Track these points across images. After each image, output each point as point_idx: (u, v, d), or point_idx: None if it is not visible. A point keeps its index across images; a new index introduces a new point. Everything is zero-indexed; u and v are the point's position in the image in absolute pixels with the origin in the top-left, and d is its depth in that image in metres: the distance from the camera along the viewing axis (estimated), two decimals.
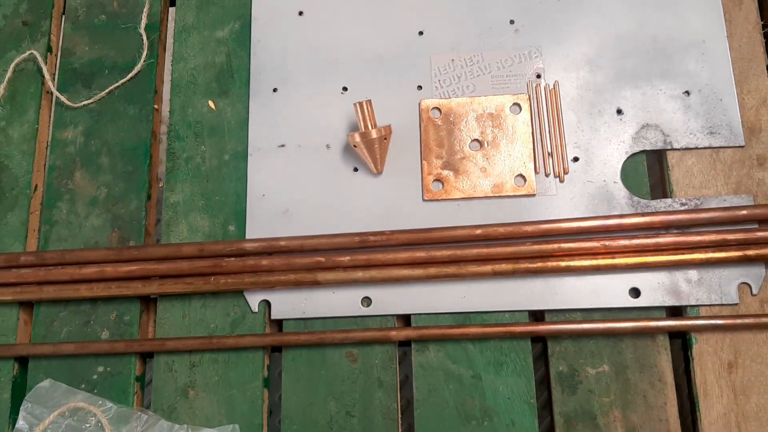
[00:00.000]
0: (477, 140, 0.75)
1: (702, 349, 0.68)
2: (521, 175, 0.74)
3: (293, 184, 0.76)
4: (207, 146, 0.79)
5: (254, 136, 0.78)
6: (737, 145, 0.73)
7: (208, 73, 0.81)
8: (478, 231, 0.71)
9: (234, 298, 0.74)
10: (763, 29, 0.76)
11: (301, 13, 0.82)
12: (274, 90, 0.79)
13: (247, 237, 0.75)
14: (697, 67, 0.75)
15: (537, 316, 0.72)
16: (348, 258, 0.71)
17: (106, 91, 0.81)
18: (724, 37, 0.75)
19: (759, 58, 0.75)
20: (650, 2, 0.77)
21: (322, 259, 0.72)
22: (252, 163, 0.77)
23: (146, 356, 0.75)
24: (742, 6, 0.77)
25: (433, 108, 0.77)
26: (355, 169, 0.76)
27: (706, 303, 0.69)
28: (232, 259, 0.73)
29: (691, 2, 0.77)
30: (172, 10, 0.85)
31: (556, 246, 0.70)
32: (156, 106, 0.81)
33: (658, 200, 0.72)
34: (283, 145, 0.77)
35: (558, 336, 0.69)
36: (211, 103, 0.80)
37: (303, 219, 0.75)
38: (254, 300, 0.73)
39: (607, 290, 0.70)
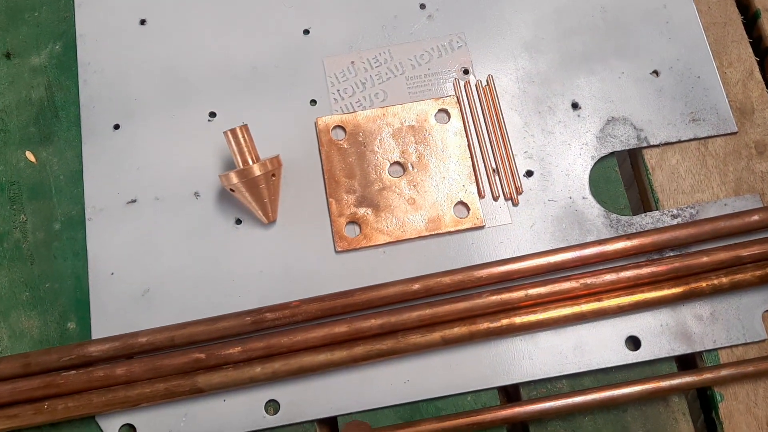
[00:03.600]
0: (398, 163, 0.56)
1: (731, 407, 0.50)
2: (462, 203, 0.55)
3: (153, 254, 0.55)
4: (28, 214, 0.56)
5: (92, 192, 0.56)
6: (729, 132, 0.56)
7: (23, 115, 0.59)
8: (416, 285, 0.52)
9: (83, 427, 0.51)
10: None
11: (143, 22, 0.61)
12: (116, 127, 0.58)
13: (93, 336, 0.53)
14: (663, 40, 0.59)
15: (510, 393, 0.53)
16: (239, 349, 0.51)
17: None
18: None
19: (734, 20, 0.59)
20: None
21: (202, 356, 0.50)
22: (92, 230, 0.55)
23: None
24: None
25: (335, 127, 0.57)
26: (238, 221, 0.55)
27: (726, 345, 0.51)
28: (74, 372, 0.51)
29: None
30: None
31: (522, 293, 0.51)
32: None
33: (643, 215, 0.55)
34: (133, 201, 0.56)
35: (542, 418, 0.50)
36: (29, 155, 0.58)
37: (170, 300, 0.53)
38: (111, 426, 0.51)
39: (597, 345, 0.51)
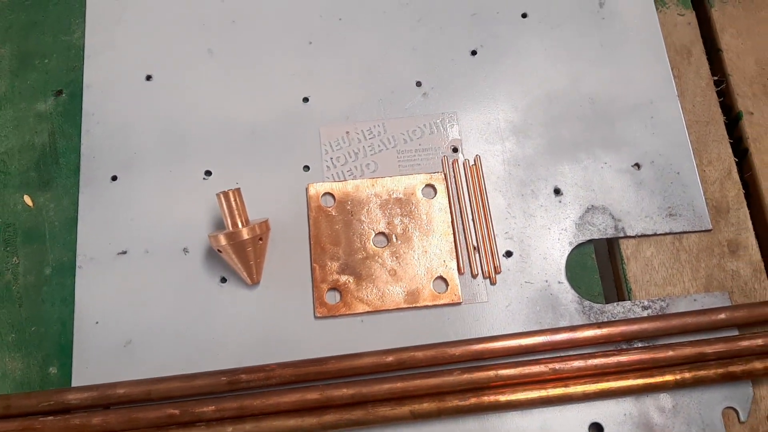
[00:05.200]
0: (383, 234, 0.58)
1: None
2: (442, 278, 0.57)
3: (138, 306, 0.56)
4: (21, 257, 0.58)
5: (85, 241, 0.58)
6: (703, 229, 0.58)
7: (25, 159, 0.61)
8: (390, 358, 0.53)
9: None
10: (716, 85, 0.63)
11: (149, 78, 0.63)
12: (113, 178, 0.60)
13: (73, 383, 0.54)
14: (646, 134, 0.61)
15: None
16: (213, 408, 0.52)
17: None
18: (675, 96, 0.62)
19: (717, 120, 0.62)
20: (583, 56, 0.63)
21: (176, 412, 0.52)
22: (81, 278, 0.57)
23: None
24: (691, 59, 0.64)
25: (325, 194, 0.59)
26: (223, 280, 0.57)
27: None
28: (51, 417, 0.52)
29: (632, 56, 0.63)
30: None
31: (492, 374, 0.53)
32: None
33: (615, 303, 0.56)
34: (124, 252, 0.58)
35: None
36: (27, 199, 0.60)
37: (151, 354, 0.55)
38: None
39: (561, 429, 0.53)
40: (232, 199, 0.55)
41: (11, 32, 0.65)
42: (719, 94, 0.63)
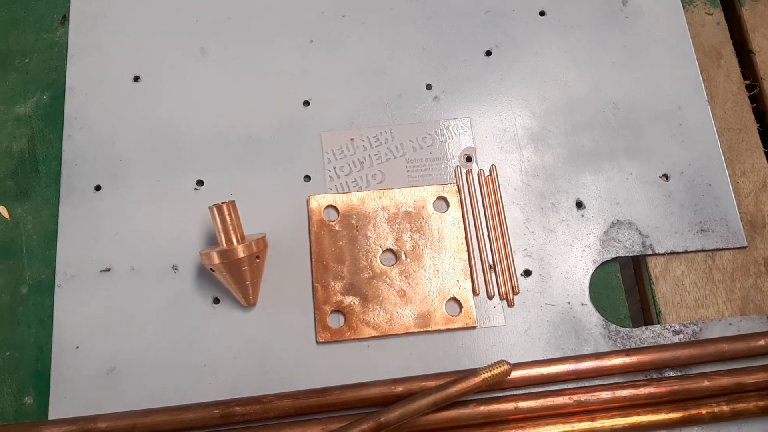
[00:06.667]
0: (391, 251, 0.54)
1: None
2: (455, 300, 0.52)
3: (123, 329, 0.51)
4: None
5: (65, 256, 0.53)
6: (738, 246, 0.54)
7: (1, 167, 0.57)
8: (399, 388, 0.49)
9: None
10: (748, 90, 0.59)
11: (137, 79, 0.58)
12: (97, 188, 0.55)
13: (51, 415, 0.49)
14: (675, 143, 0.56)
15: None
16: None
17: None
18: (705, 102, 0.57)
19: (749, 127, 0.57)
20: (606, 58, 0.59)
21: None
22: (61, 297, 0.52)
23: None
24: (721, 61, 0.59)
25: (327, 207, 0.55)
26: (216, 300, 0.52)
27: None
28: None
29: (658, 58, 0.59)
30: None
31: (511, 406, 0.48)
32: None
33: (644, 328, 0.52)
34: (107, 269, 0.53)
35: None
36: (3, 210, 0.55)
37: (136, 382, 0.50)
38: None
39: None
40: (226, 212, 0.50)
41: None
42: (751, 99, 0.58)
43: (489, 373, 0.47)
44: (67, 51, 0.59)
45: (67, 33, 0.60)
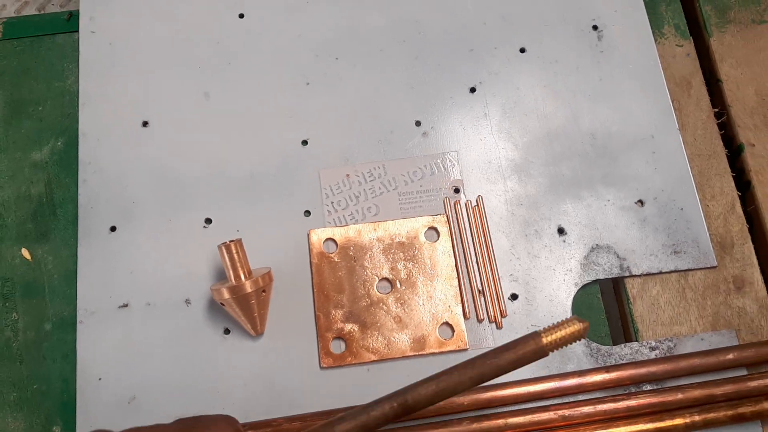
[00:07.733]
0: (387, 279, 0.58)
1: None
2: (447, 324, 0.56)
3: (142, 360, 0.55)
4: (20, 313, 0.57)
5: (85, 294, 0.57)
6: (708, 265, 0.58)
7: (22, 211, 0.60)
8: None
9: None
10: (716, 117, 0.63)
11: (146, 124, 0.62)
12: (112, 229, 0.59)
13: None
14: (649, 169, 0.60)
15: None
16: None
17: None
18: (676, 130, 0.62)
19: (719, 154, 0.61)
20: (583, 91, 0.63)
21: None
22: (83, 333, 0.56)
23: None
24: (691, 91, 0.63)
25: (327, 240, 0.59)
26: (227, 331, 0.56)
27: None
28: None
29: (632, 89, 0.63)
30: None
31: (501, 422, 0.52)
32: None
33: (622, 345, 0.56)
34: (125, 305, 0.57)
35: None
36: (25, 252, 0.59)
37: (156, 409, 0.54)
38: None
39: None
40: (233, 251, 0.54)
41: (3, 79, 0.64)
42: (720, 126, 0.62)
43: (555, 335, 0.32)
44: (78, 98, 0.63)
45: (77, 82, 0.64)
